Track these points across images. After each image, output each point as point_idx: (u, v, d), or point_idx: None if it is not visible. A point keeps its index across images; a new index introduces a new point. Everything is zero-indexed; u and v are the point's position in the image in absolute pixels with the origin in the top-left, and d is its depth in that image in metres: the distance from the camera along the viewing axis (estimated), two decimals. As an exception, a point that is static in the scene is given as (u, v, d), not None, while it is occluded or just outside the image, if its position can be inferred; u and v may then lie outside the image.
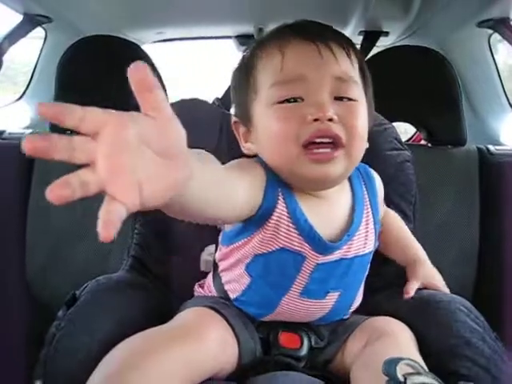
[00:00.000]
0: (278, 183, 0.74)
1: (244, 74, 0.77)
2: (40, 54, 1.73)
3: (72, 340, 0.72)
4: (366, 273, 0.84)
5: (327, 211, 0.76)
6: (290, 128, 0.69)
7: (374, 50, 1.76)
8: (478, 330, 0.73)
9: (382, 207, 0.89)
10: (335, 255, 0.76)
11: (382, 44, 1.79)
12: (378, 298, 0.90)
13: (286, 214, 0.73)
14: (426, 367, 0.62)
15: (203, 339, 0.68)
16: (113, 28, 1.68)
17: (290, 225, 0.73)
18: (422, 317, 0.78)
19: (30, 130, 1.43)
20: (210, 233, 0.95)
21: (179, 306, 0.85)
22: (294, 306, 0.78)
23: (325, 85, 0.71)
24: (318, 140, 0.69)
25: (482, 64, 1.68)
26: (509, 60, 1.90)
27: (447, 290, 0.89)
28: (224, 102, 1.38)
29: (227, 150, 1.12)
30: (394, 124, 1.13)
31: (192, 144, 1.01)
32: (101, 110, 0.39)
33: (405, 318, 0.79)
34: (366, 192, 0.82)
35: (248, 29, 1.82)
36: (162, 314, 0.83)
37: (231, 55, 1.92)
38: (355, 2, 1.53)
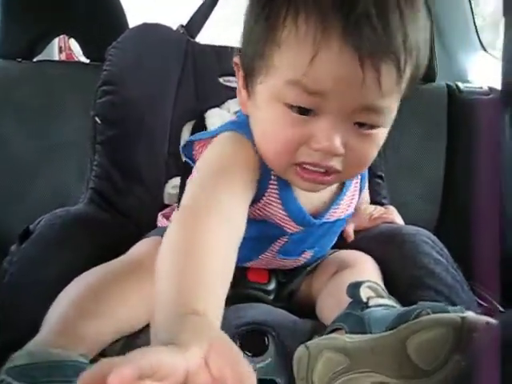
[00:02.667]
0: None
1: (265, 41, 0.57)
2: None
3: (25, 275, 0.70)
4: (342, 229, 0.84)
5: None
6: (289, 145, 0.59)
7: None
8: (441, 261, 0.75)
9: None
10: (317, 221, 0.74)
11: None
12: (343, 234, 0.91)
13: (276, 195, 0.69)
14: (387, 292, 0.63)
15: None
16: None
17: (280, 206, 0.70)
18: (387, 250, 0.80)
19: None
20: (174, 164, 0.93)
21: (140, 239, 0.82)
22: (269, 261, 0.78)
23: (346, 110, 0.55)
24: (312, 168, 0.60)
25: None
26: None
27: (400, 220, 0.92)
28: (188, 29, 1.31)
29: (193, 77, 1.08)
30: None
31: (155, 68, 0.97)
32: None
33: (370, 251, 0.81)
34: None
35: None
36: (122, 247, 0.81)
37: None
38: None
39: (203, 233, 0.50)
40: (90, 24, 1.28)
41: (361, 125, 0.57)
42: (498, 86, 1.27)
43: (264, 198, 0.69)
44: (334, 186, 0.73)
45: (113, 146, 0.96)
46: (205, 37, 1.27)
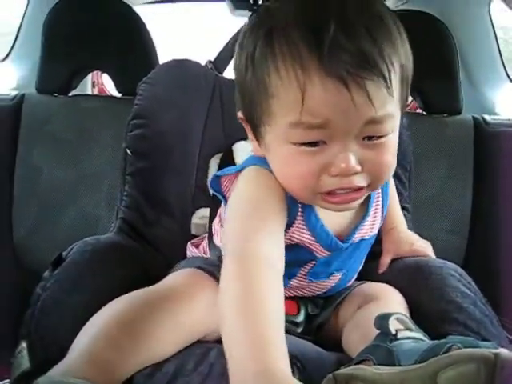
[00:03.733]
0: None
1: (258, 95, 0.61)
2: (25, 13, 1.66)
3: (57, 300, 0.71)
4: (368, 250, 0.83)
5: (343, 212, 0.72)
6: (308, 179, 0.61)
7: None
8: (469, 295, 0.73)
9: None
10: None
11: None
12: (370, 265, 0.90)
13: (302, 221, 0.70)
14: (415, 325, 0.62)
15: (191, 301, 0.67)
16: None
17: (307, 231, 0.71)
18: (413, 282, 0.79)
19: (16, 92, 1.38)
20: (202, 195, 0.94)
21: (168, 268, 0.84)
22: (300, 286, 0.78)
23: (353, 130, 0.58)
24: (339, 191, 0.62)
25: (480, 31, 1.64)
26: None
27: (433, 255, 0.90)
28: (216, 64, 1.35)
29: (220, 111, 1.11)
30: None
31: (184, 102, 1.00)
32: None
33: (397, 284, 0.80)
34: None
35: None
36: (150, 276, 0.82)
37: (225, 18, 1.86)
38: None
39: (259, 287, 0.53)
40: (122, 60, 1.34)
41: (369, 138, 0.60)
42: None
43: (293, 226, 0.70)
44: (355, 211, 0.73)
45: (142, 177, 0.99)
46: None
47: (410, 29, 1.28)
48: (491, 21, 1.63)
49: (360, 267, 0.84)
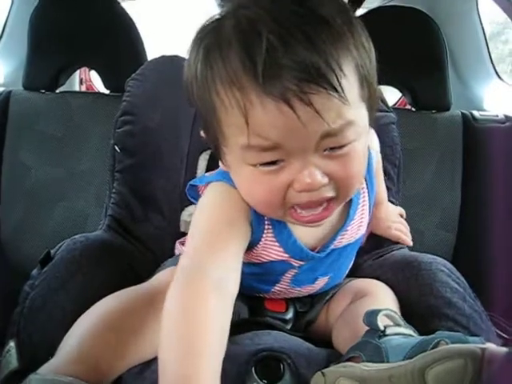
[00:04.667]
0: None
1: (207, 118, 0.59)
2: (11, 8, 1.64)
3: (46, 299, 0.71)
4: (355, 252, 0.83)
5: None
6: (274, 196, 0.58)
7: (360, 12, 1.71)
8: (458, 290, 0.74)
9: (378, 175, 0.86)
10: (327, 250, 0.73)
11: (368, 6, 1.74)
12: (359, 262, 0.91)
13: (272, 237, 0.68)
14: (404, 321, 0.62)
15: None
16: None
17: (278, 247, 0.69)
18: (403, 278, 0.79)
19: (3, 89, 1.37)
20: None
21: (157, 266, 0.83)
22: (285, 292, 0.78)
23: (310, 148, 0.54)
24: (306, 213, 0.60)
25: (468, 27, 1.65)
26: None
27: (409, 240, 0.93)
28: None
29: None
30: (380, 87, 1.11)
31: (173, 98, 0.99)
32: None
33: (386, 280, 0.80)
34: (365, 185, 0.74)
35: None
36: (139, 274, 0.82)
37: (211, 10, 1.85)
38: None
39: (199, 313, 0.53)
40: (110, 56, 1.33)
41: (331, 149, 0.55)
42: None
43: (261, 243, 0.68)
44: (335, 218, 0.69)
45: (131, 174, 0.98)
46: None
47: (399, 24, 1.31)
48: (479, 17, 1.64)
49: (349, 266, 0.84)
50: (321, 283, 0.79)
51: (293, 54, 0.50)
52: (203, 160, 1.00)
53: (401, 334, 0.58)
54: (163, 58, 1.10)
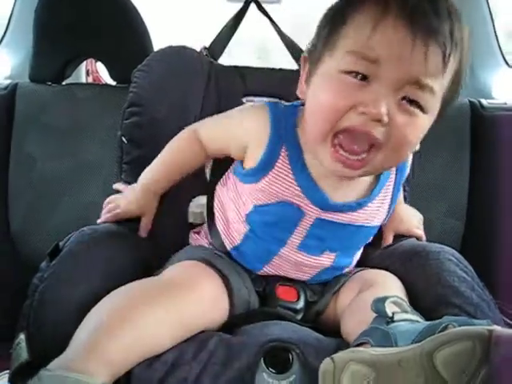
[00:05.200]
0: (286, 139, 0.74)
1: (333, 23, 0.67)
2: (16, 0, 1.63)
3: (55, 291, 0.71)
4: (368, 241, 0.84)
5: (340, 180, 0.73)
6: (338, 106, 0.63)
7: None
8: (466, 279, 0.74)
9: None
10: (341, 217, 0.75)
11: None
12: (368, 251, 0.91)
13: (286, 164, 0.73)
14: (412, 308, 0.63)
15: (194, 294, 0.68)
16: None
17: (291, 175, 0.73)
18: (411, 268, 0.79)
19: (9, 81, 1.37)
20: (199, 183, 0.94)
21: (166, 257, 0.83)
22: (290, 258, 0.78)
23: (397, 81, 0.61)
24: (353, 135, 0.64)
25: (477, 15, 1.63)
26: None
27: (422, 233, 0.94)
28: (211, 51, 1.34)
29: (215, 98, 1.10)
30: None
31: (180, 89, 0.99)
32: None
33: (395, 270, 0.80)
34: (395, 171, 0.80)
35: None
36: (148, 265, 0.83)
37: (219, 5, 1.84)
38: None
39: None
40: (116, 48, 1.32)
41: (408, 101, 0.62)
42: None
43: (274, 169, 0.73)
44: (364, 186, 0.75)
45: (139, 165, 0.98)
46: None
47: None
48: (488, 4, 1.62)
49: (354, 258, 0.85)
50: (327, 259, 0.79)
51: (438, 13, 0.61)
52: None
53: (408, 320, 0.59)
54: (170, 48, 1.10)
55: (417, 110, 0.63)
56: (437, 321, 0.53)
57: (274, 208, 0.75)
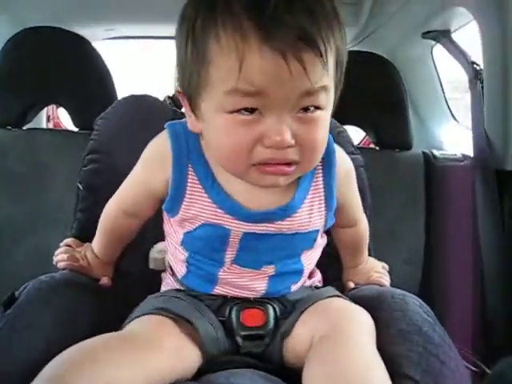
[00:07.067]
0: (189, 156, 0.73)
1: (193, 55, 0.62)
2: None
3: (10, 341, 0.67)
4: (311, 250, 0.81)
5: (254, 187, 0.71)
6: (242, 148, 0.62)
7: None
8: (429, 321, 0.75)
9: (349, 192, 0.85)
10: (268, 227, 0.73)
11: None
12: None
13: (197, 183, 0.72)
14: None
15: (155, 349, 0.65)
16: (58, 22, 1.61)
17: (203, 193, 0.72)
18: (376, 304, 0.79)
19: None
20: (159, 229, 0.93)
21: (126, 305, 0.81)
22: (233, 275, 0.77)
23: (288, 102, 0.60)
24: (271, 163, 0.64)
25: (425, 73, 1.75)
26: (451, 73, 2.00)
27: (388, 284, 0.94)
28: (175, 100, 1.36)
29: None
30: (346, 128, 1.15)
31: (141, 138, 1.00)
32: None
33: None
34: (320, 170, 0.77)
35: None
36: (108, 314, 0.80)
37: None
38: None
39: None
40: (79, 94, 1.33)
41: (305, 110, 0.62)
42: (471, 153, 1.34)
43: (187, 193, 0.72)
44: (281, 191, 0.73)
45: (93, 212, 0.96)
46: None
47: (361, 68, 1.38)
48: (434, 62, 1.75)
49: (306, 261, 0.82)
50: (267, 272, 0.77)
51: (295, 18, 0.57)
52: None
53: None
54: (132, 97, 1.11)
55: (315, 113, 0.63)
56: None
57: (199, 232, 0.74)
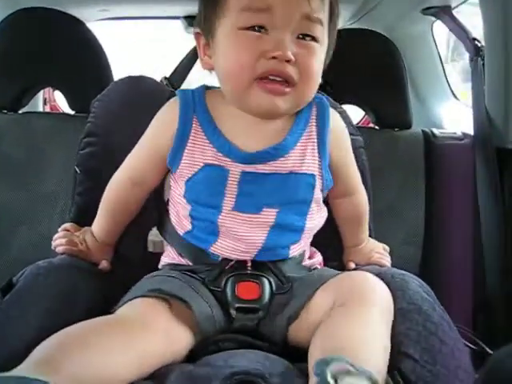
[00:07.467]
0: (195, 109, 0.80)
1: None
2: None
3: (6, 328, 0.68)
4: (310, 199, 0.82)
5: (252, 127, 0.79)
6: (248, 59, 0.72)
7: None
8: (428, 300, 0.75)
9: (342, 155, 0.88)
10: (265, 167, 0.78)
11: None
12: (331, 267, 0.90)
13: (199, 130, 0.79)
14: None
15: (147, 334, 0.66)
16: (53, 2, 1.58)
17: (204, 139, 0.78)
18: None
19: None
20: (157, 213, 0.93)
21: (125, 289, 0.81)
22: (232, 223, 0.78)
23: (291, 22, 0.71)
24: (272, 77, 0.72)
25: (425, 50, 1.73)
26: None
27: (389, 265, 0.94)
28: (171, 81, 1.35)
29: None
30: (345, 108, 1.14)
31: (138, 119, 0.99)
32: None
33: None
34: (314, 117, 0.83)
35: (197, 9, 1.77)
36: (106, 298, 0.80)
37: (179, 36, 1.86)
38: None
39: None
40: (75, 77, 1.31)
41: (303, 37, 0.73)
42: (471, 131, 1.33)
43: (190, 139, 0.79)
44: (276, 131, 0.79)
45: (91, 196, 0.96)
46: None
47: (360, 46, 1.36)
48: (434, 40, 1.72)
49: (307, 221, 0.82)
50: (269, 216, 0.79)
51: None
52: (168, 181, 0.99)
53: None
54: (129, 78, 1.09)
55: (312, 42, 0.73)
56: None
57: (200, 176, 0.78)
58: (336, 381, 0.54)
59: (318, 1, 0.73)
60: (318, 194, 0.83)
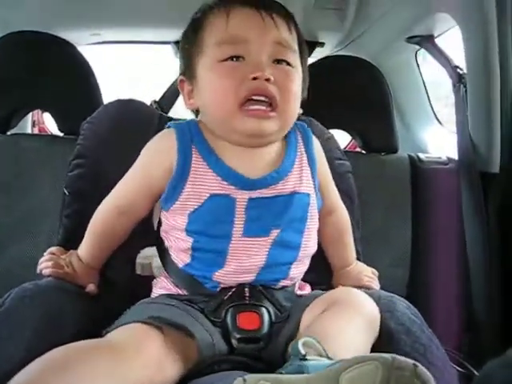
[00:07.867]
0: (192, 139, 0.82)
1: (192, 33, 0.83)
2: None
3: None
4: (306, 216, 0.84)
5: (251, 155, 0.82)
6: (230, 84, 0.76)
7: (310, 60, 1.80)
8: (417, 322, 0.76)
9: (325, 173, 0.93)
10: (269, 191, 0.80)
11: (318, 55, 1.84)
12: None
13: (201, 161, 0.80)
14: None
15: (134, 362, 0.64)
16: (44, 26, 1.60)
17: (207, 169, 0.79)
18: None
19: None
20: (146, 234, 0.92)
21: (112, 312, 0.79)
22: (242, 248, 0.79)
23: (265, 47, 0.78)
24: (255, 98, 0.76)
25: (409, 77, 1.78)
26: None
27: (377, 287, 0.94)
28: (161, 104, 1.36)
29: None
30: (333, 134, 1.15)
31: (127, 142, 0.99)
32: None
33: None
34: (301, 142, 0.88)
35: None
36: (93, 320, 0.79)
37: (169, 60, 1.89)
38: (293, 13, 1.57)
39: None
40: (64, 99, 1.32)
41: (278, 62, 0.79)
42: (455, 156, 1.36)
43: (192, 170, 0.79)
44: (273, 157, 0.83)
45: (79, 219, 0.95)
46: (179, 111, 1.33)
47: (347, 72, 1.39)
48: (418, 66, 1.77)
49: (301, 246, 0.84)
50: (275, 235, 0.80)
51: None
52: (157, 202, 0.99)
53: (320, 360, 0.59)
54: (118, 101, 1.10)
55: (287, 67, 0.80)
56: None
57: (206, 207, 0.78)
58: (305, 355, 0.59)
59: (287, 30, 0.81)
60: (314, 212, 0.86)
